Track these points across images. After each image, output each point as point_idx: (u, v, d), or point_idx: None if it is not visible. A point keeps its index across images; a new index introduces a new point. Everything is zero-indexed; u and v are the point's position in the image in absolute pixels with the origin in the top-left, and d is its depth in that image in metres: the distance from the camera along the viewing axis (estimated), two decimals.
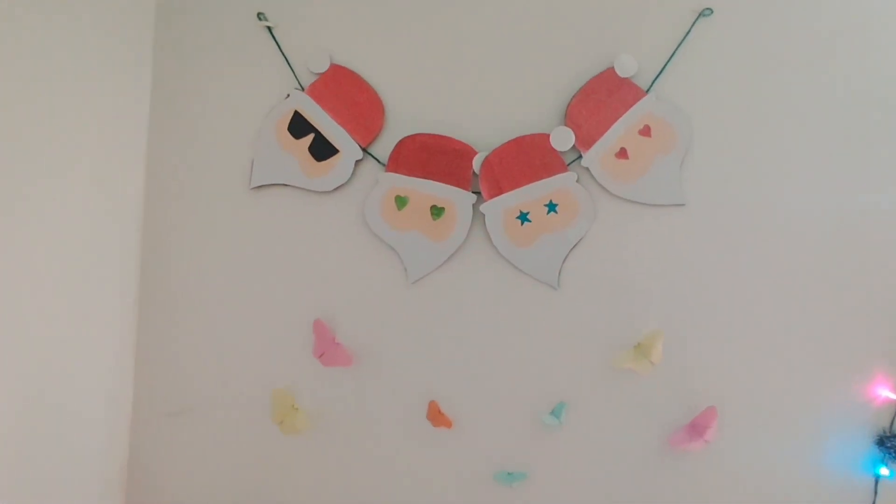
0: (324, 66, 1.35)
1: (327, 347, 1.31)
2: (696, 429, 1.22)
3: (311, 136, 1.36)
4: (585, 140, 1.30)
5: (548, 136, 1.29)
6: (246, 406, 1.32)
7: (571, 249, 1.29)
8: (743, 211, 1.26)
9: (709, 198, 1.26)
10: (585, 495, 1.25)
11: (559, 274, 1.29)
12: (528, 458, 1.26)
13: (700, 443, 1.21)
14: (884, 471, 1.17)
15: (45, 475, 1.09)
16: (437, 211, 1.32)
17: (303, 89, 1.35)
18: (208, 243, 1.37)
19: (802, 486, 1.21)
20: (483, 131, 1.31)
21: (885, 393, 1.20)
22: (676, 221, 1.27)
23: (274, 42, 1.36)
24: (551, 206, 1.30)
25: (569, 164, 1.30)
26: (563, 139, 1.30)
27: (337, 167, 1.35)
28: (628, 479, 1.24)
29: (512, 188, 1.31)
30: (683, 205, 1.27)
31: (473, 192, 1.31)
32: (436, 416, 1.27)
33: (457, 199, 1.32)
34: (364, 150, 1.34)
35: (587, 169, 1.29)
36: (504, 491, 1.26)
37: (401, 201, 1.33)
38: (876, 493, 1.19)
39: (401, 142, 1.33)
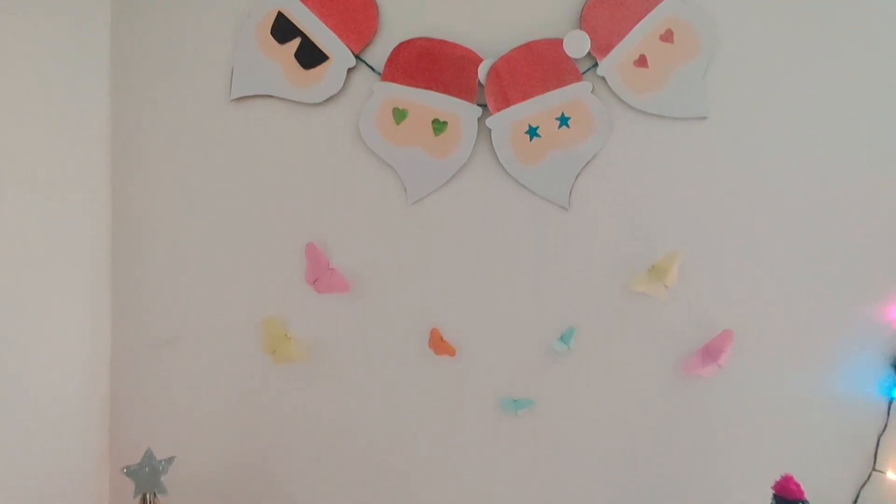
0: None
1: (321, 273, 1.22)
2: (709, 354, 1.18)
3: (297, 41, 1.22)
4: (602, 46, 1.18)
5: (561, 41, 1.17)
6: (234, 336, 1.24)
7: (584, 167, 1.20)
8: (768, 125, 1.18)
9: (733, 110, 1.18)
10: (594, 422, 1.21)
11: (570, 193, 1.20)
12: (536, 386, 1.21)
13: (713, 368, 1.17)
14: None
15: (23, 415, 1.00)
16: (438, 125, 1.21)
17: None
18: (187, 162, 1.24)
19: (815, 411, 1.18)
20: (489, 36, 1.19)
21: None
22: (697, 136, 1.18)
23: None
24: (563, 120, 1.20)
25: (583, 73, 1.19)
26: (577, 45, 1.18)
27: (327, 76, 1.22)
28: (639, 405, 1.20)
29: (521, 100, 1.20)
30: (706, 118, 1.18)
31: (478, 105, 1.20)
32: (438, 344, 1.20)
33: (460, 112, 1.21)
34: (357, 56, 1.21)
35: (603, 78, 1.18)
36: (510, 419, 1.21)
37: (399, 114, 1.21)
38: (889, 414, 1.17)
39: (398, 48, 1.20)
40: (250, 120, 1.23)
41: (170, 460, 0.99)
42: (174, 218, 1.25)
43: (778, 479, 0.93)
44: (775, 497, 0.92)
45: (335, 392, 1.23)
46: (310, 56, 1.22)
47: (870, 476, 1.18)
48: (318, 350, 1.23)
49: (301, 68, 1.22)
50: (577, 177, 1.20)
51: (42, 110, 1.07)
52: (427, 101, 1.21)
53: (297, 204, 1.23)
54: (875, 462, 1.18)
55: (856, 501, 1.17)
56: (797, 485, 0.90)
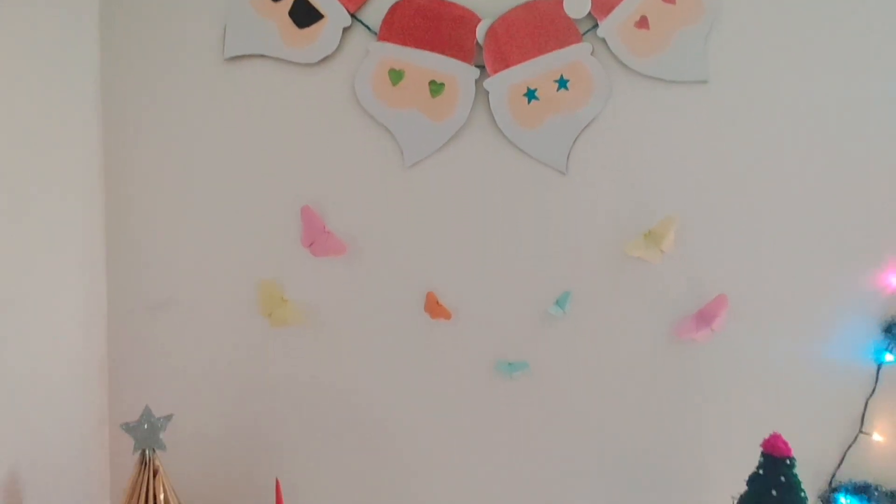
0: None
1: (317, 236, 1.21)
2: (703, 318, 1.19)
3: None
4: (602, 6, 1.16)
5: (561, 0, 1.15)
6: (230, 299, 1.24)
7: (582, 131, 1.19)
8: (768, 90, 1.16)
9: (734, 75, 1.16)
10: (588, 385, 1.22)
11: (568, 158, 1.19)
12: (531, 349, 1.22)
13: (706, 332, 1.18)
14: (888, 357, 1.17)
15: (23, 376, 1.01)
16: (436, 87, 1.19)
17: None
18: (180, 123, 1.23)
19: (806, 374, 1.19)
20: None
21: None
22: (697, 100, 1.17)
23: None
24: (562, 83, 1.18)
25: (583, 35, 1.17)
26: (578, 5, 1.15)
27: (322, 35, 1.19)
28: (633, 369, 1.22)
29: (519, 61, 1.18)
30: (706, 82, 1.17)
31: (476, 66, 1.18)
32: (434, 307, 1.21)
33: (458, 73, 1.19)
34: (352, 15, 1.18)
35: (603, 40, 1.16)
36: (505, 381, 1.22)
37: (395, 75, 1.19)
38: (877, 379, 1.19)
39: (394, 7, 1.17)
40: (244, 80, 1.21)
41: (168, 417, 1.01)
42: (168, 180, 1.24)
43: (766, 437, 0.94)
44: (763, 454, 0.94)
45: (331, 354, 1.24)
46: (304, 15, 1.19)
47: (856, 438, 1.21)
48: (314, 313, 1.23)
49: (295, 27, 1.19)
50: (575, 141, 1.19)
51: (31, 68, 1.05)
52: (424, 62, 1.19)
53: (292, 166, 1.22)
54: (862, 425, 1.20)
55: (842, 462, 1.21)
56: (785, 442, 0.92)
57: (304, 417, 1.25)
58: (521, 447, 1.25)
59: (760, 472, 0.93)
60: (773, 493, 0.90)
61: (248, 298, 1.23)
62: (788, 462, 0.91)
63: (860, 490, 1.20)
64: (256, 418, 1.26)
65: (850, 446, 1.20)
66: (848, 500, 1.20)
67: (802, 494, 0.90)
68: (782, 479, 0.90)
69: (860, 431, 1.20)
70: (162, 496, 0.97)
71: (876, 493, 1.18)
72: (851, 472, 1.21)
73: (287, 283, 1.23)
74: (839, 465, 1.20)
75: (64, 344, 1.12)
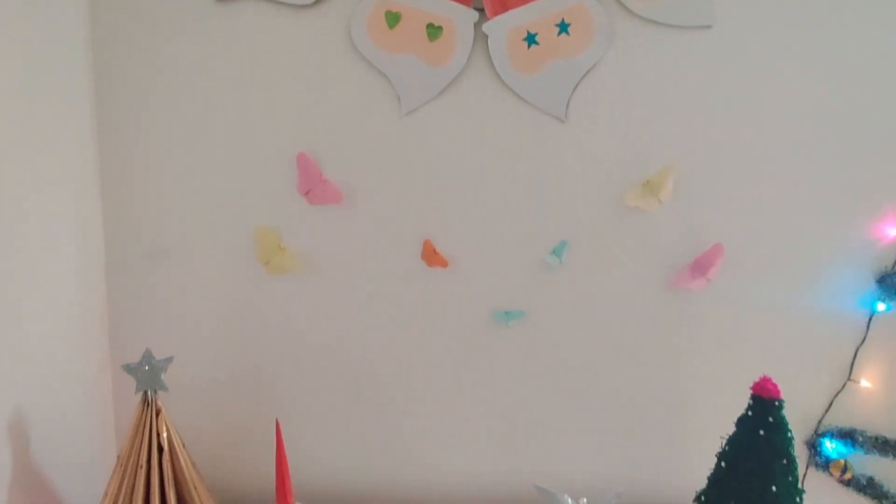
0: None
1: (313, 184, 1.20)
2: (699, 267, 1.19)
3: None
4: None
5: None
6: (228, 247, 1.23)
7: (582, 77, 1.16)
8: (773, 37, 1.14)
9: (739, 21, 1.14)
10: (584, 334, 1.24)
11: (567, 105, 1.17)
12: (527, 298, 1.23)
13: (702, 282, 1.19)
14: (881, 306, 1.18)
15: (24, 324, 1.01)
16: (433, 30, 1.16)
17: None
18: (172, 68, 1.19)
19: (798, 323, 1.21)
20: None
21: (893, 232, 1.18)
22: (699, 46, 1.15)
23: None
24: (563, 27, 1.15)
25: None
26: None
27: None
28: (628, 317, 1.23)
29: (519, 4, 1.15)
30: (710, 27, 1.14)
31: (475, 9, 1.15)
32: (431, 255, 1.21)
33: (456, 16, 1.16)
34: None
35: None
36: (501, 330, 1.24)
37: (392, 18, 1.16)
38: (868, 328, 1.21)
39: None
40: (236, 23, 1.17)
41: (168, 360, 1.02)
42: (161, 127, 1.21)
43: (757, 381, 0.96)
44: (753, 397, 0.96)
45: (328, 302, 1.25)
46: None
47: (844, 385, 1.23)
48: (311, 261, 1.23)
49: None
50: (575, 88, 1.17)
51: (18, 9, 1.01)
52: (421, 4, 1.15)
53: (287, 113, 1.19)
54: (850, 373, 1.23)
55: (829, 408, 1.24)
56: (774, 385, 0.93)
57: (301, 363, 1.27)
58: (516, 394, 1.27)
59: (749, 413, 0.95)
60: (761, 433, 0.92)
61: (245, 246, 1.23)
62: (777, 404, 0.93)
63: (845, 435, 1.23)
64: (255, 364, 1.27)
65: (837, 393, 1.23)
66: (833, 445, 1.24)
67: (789, 435, 0.93)
68: (770, 419, 0.92)
69: (848, 379, 1.23)
70: (165, 434, 1.00)
71: (860, 438, 1.22)
72: (838, 419, 1.25)
73: (284, 231, 1.22)
74: (826, 412, 1.24)
75: (63, 290, 1.12)
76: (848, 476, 1.21)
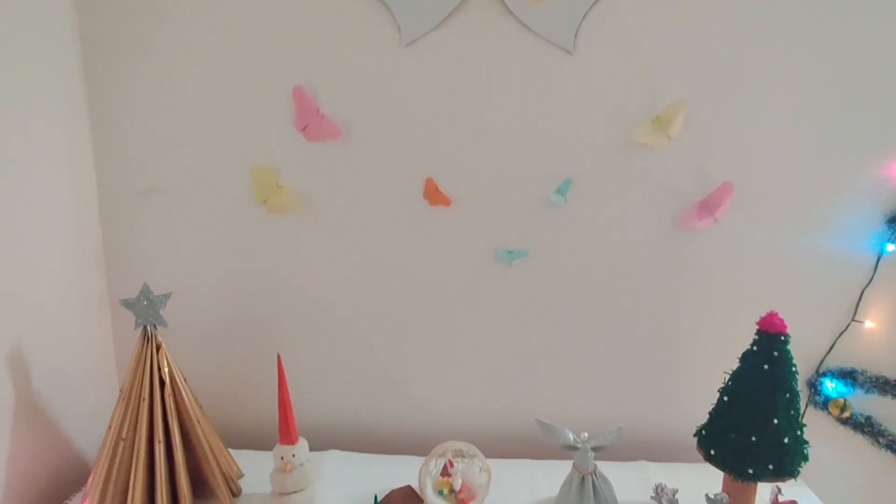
0: None
1: (311, 119, 1.16)
2: (707, 206, 1.17)
3: None
4: None
5: None
6: (224, 185, 1.20)
7: (591, 6, 1.10)
8: None
9: None
10: (588, 273, 1.22)
11: (575, 36, 1.12)
12: (530, 237, 1.21)
13: (709, 221, 1.17)
14: (890, 247, 1.16)
15: (17, 258, 1.00)
16: None
17: None
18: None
19: (805, 263, 1.19)
20: None
21: None
22: None
23: None
24: None
25: None
26: None
27: None
28: (632, 257, 1.21)
29: None
30: None
31: None
32: (433, 193, 1.19)
33: None
34: None
35: None
36: (504, 269, 1.22)
37: None
38: (876, 269, 1.19)
39: None
40: None
41: (167, 295, 1.00)
42: (152, 60, 1.16)
43: (763, 316, 0.95)
44: (758, 332, 0.95)
45: (328, 241, 1.23)
46: None
47: (848, 326, 1.23)
48: (310, 199, 1.20)
49: None
50: (584, 17, 1.11)
51: None
52: None
53: (283, 44, 1.14)
54: (855, 313, 1.22)
55: (832, 348, 1.24)
56: (781, 319, 0.92)
57: (302, 302, 1.26)
58: (519, 333, 1.27)
59: (754, 348, 0.95)
60: (765, 367, 0.92)
61: (242, 185, 1.20)
62: (783, 338, 0.92)
63: (846, 375, 1.24)
64: (256, 302, 1.26)
65: (841, 334, 1.23)
66: (833, 384, 1.24)
67: (793, 369, 0.92)
68: (775, 353, 0.91)
69: (853, 320, 1.22)
70: (166, 370, 0.99)
71: (861, 378, 1.22)
72: (840, 359, 1.25)
73: (282, 168, 1.19)
74: (829, 352, 1.24)
75: (57, 228, 1.10)
76: (846, 414, 1.22)
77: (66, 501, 1.05)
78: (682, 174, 1.17)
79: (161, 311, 0.98)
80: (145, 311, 0.98)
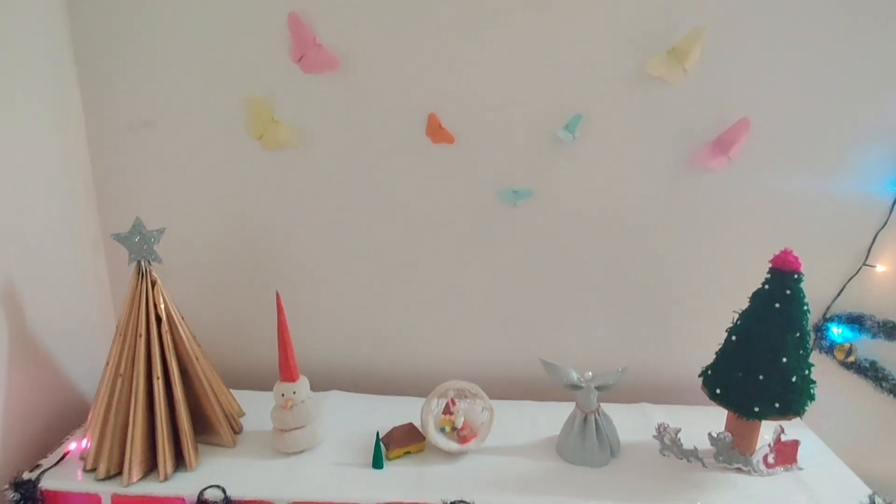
0: None
1: (307, 49, 1.10)
2: (721, 145, 1.12)
3: None
4: None
5: None
6: (218, 119, 1.15)
7: None
8: None
9: None
10: (595, 213, 1.19)
11: None
12: (536, 176, 1.16)
13: (723, 160, 1.13)
14: None
15: (5, 200, 0.96)
16: None
17: None
18: None
19: (819, 205, 1.16)
20: None
21: None
22: None
23: None
24: None
25: None
26: None
27: None
28: (642, 198, 1.17)
29: None
30: None
31: None
32: (436, 130, 1.14)
33: None
34: None
35: None
36: (508, 209, 1.19)
37: None
38: (891, 211, 1.15)
39: None
40: None
41: (160, 231, 0.97)
42: None
43: (777, 254, 0.92)
44: (771, 270, 0.92)
45: (327, 179, 1.19)
46: None
47: (859, 270, 1.21)
48: (307, 135, 1.15)
49: None
50: None
51: None
52: None
53: None
54: (867, 257, 1.20)
55: (840, 293, 1.22)
56: (795, 257, 0.90)
57: (301, 242, 1.23)
58: (523, 275, 1.24)
59: (766, 287, 0.93)
60: (777, 305, 0.90)
61: (237, 119, 1.15)
62: (796, 277, 0.90)
63: (853, 320, 1.22)
64: (253, 242, 1.23)
65: (851, 278, 1.21)
66: (840, 330, 1.23)
67: (805, 308, 0.90)
68: (787, 292, 0.89)
69: (864, 263, 1.20)
70: (162, 306, 0.97)
71: (869, 323, 1.20)
72: (847, 304, 1.23)
73: (277, 102, 1.14)
74: (837, 296, 1.22)
75: (44, 163, 1.06)
76: (852, 359, 1.21)
77: (67, 437, 1.05)
78: (697, 110, 1.12)
79: (155, 247, 0.96)
80: (138, 246, 0.95)
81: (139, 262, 0.95)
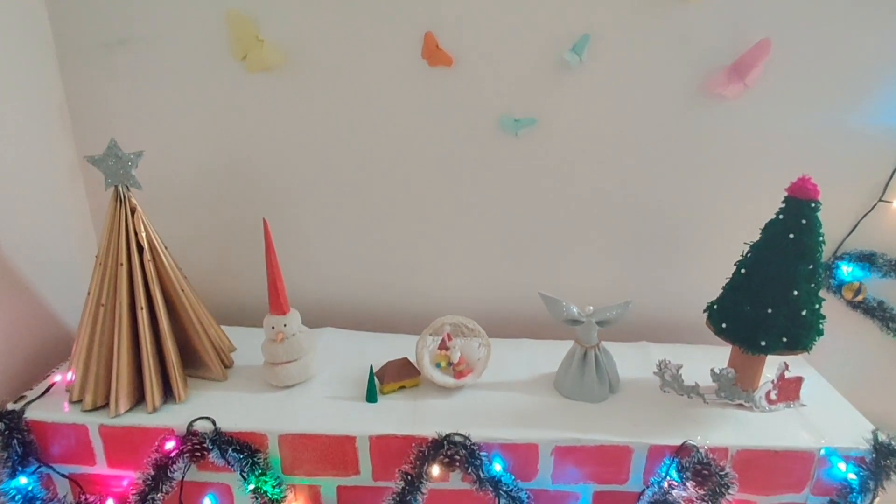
0: None
1: None
2: (738, 69, 1.05)
3: None
4: None
5: None
6: (199, 36, 1.06)
7: None
8: None
9: None
10: (602, 143, 1.12)
11: None
12: (540, 103, 1.09)
13: (739, 87, 1.05)
14: None
15: None
16: None
17: None
18: None
19: (836, 139, 1.10)
20: None
21: None
22: None
23: None
24: None
25: None
26: None
27: None
28: (652, 127, 1.11)
29: None
30: None
31: None
32: (433, 51, 1.05)
33: None
34: None
35: None
36: (509, 139, 1.12)
37: None
38: None
39: None
40: None
41: (138, 154, 0.91)
42: None
43: (794, 181, 0.87)
44: (787, 199, 0.87)
45: (316, 104, 1.11)
46: None
47: (874, 206, 1.16)
48: (294, 56, 1.07)
49: None
50: None
51: None
52: None
53: None
54: (884, 193, 1.15)
55: (854, 229, 1.17)
56: (814, 185, 0.85)
57: (289, 171, 1.17)
58: (524, 209, 1.19)
59: (780, 216, 0.88)
60: (791, 236, 0.85)
61: (219, 36, 1.06)
62: (813, 205, 0.85)
63: (865, 258, 1.18)
64: (239, 170, 1.17)
65: (865, 214, 1.16)
66: (850, 268, 1.19)
67: (820, 238, 0.86)
68: (803, 221, 0.84)
69: (880, 199, 1.15)
70: (143, 234, 0.92)
71: (880, 261, 1.16)
72: (860, 242, 1.19)
73: (262, 19, 1.05)
74: (850, 233, 1.17)
75: (11, 83, 0.99)
76: (860, 298, 1.17)
77: (53, 370, 1.02)
78: (714, 30, 1.04)
79: (133, 172, 0.90)
80: (114, 170, 0.89)
81: (117, 188, 0.89)
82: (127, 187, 0.90)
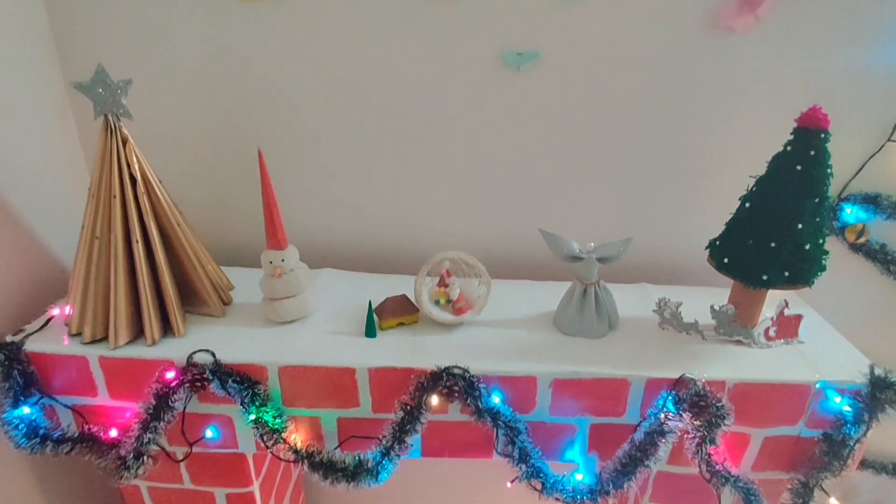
0: None
1: None
2: (749, 1, 1.01)
3: None
4: None
5: None
6: None
7: None
8: None
9: None
10: (607, 79, 1.09)
11: None
12: (542, 36, 1.05)
13: (749, 19, 1.02)
14: None
15: None
16: None
17: None
18: None
19: (846, 76, 1.06)
20: None
21: None
22: None
23: None
24: None
25: None
26: None
27: None
28: (659, 61, 1.07)
29: None
30: None
31: None
32: None
33: None
34: None
35: None
36: (510, 75, 1.08)
37: None
38: None
39: None
40: None
41: (127, 81, 0.88)
42: None
43: (804, 111, 0.85)
44: (796, 130, 0.85)
45: (310, 36, 1.07)
46: None
47: (882, 147, 1.13)
48: None
49: None
50: None
51: None
52: None
53: None
54: (892, 133, 1.12)
55: (860, 170, 1.15)
56: (824, 115, 0.82)
57: (283, 107, 1.13)
58: (525, 148, 1.16)
59: (788, 148, 0.85)
60: (798, 168, 0.83)
61: None
62: (823, 135, 0.83)
63: (869, 200, 1.16)
64: (233, 104, 1.13)
65: (872, 155, 1.14)
66: (853, 210, 1.17)
67: (828, 170, 0.84)
68: (812, 153, 0.82)
69: (888, 139, 1.12)
70: (136, 165, 0.90)
71: (885, 203, 1.15)
72: (865, 184, 1.17)
73: None
74: (856, 174, 1.15)
75: None
76: (863, 240, 1.17)
77: (50, 307, 1.01)
78: None
79: (123, 100, 0.87)
80: (103, 98, 0.86)
81: (106, 117, 0.87)
82: (117, 117, 0.88)
